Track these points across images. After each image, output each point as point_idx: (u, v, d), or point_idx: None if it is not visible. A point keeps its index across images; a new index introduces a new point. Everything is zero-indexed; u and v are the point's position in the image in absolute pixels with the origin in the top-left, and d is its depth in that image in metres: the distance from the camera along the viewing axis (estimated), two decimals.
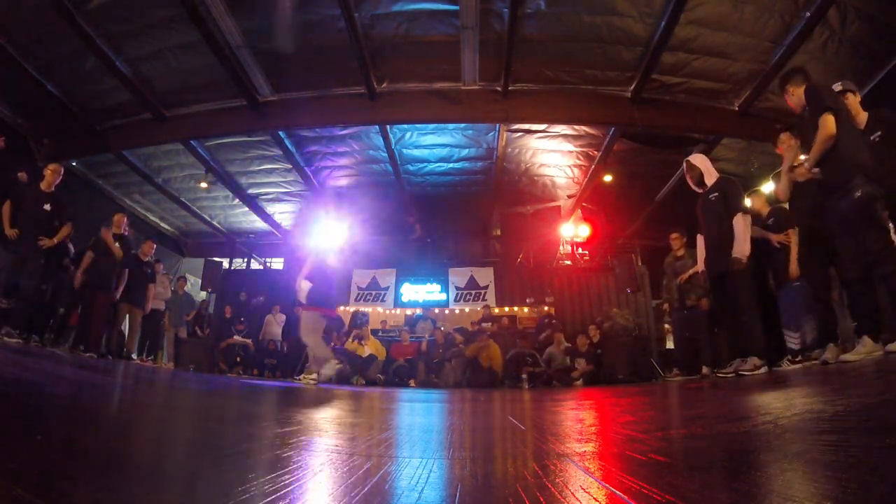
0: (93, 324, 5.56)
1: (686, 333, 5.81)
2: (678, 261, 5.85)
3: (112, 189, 9.90)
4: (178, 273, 11.35)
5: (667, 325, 8.38)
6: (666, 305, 6.97)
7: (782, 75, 3.48)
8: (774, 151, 4.17)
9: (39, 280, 5.14)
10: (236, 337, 8.39)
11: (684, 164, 4.29)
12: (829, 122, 2.86)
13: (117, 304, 6.18)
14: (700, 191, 4.17)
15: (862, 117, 3.26)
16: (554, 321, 8.63)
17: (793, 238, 4.17)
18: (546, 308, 9.52)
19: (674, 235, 5.94)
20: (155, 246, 6.86)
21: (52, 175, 5.19)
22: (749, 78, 6.48)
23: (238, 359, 8.24)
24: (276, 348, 8.60)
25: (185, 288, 8.75)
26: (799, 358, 3.96)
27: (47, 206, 5.07)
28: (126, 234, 6.31)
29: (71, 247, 5.72)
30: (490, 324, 8.90)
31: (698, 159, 4.23)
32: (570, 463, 0.93)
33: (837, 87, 3.25)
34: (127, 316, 6.30)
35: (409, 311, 10.42)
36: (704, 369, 5.31)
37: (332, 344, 8.34)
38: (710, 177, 4.10)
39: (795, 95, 3.26)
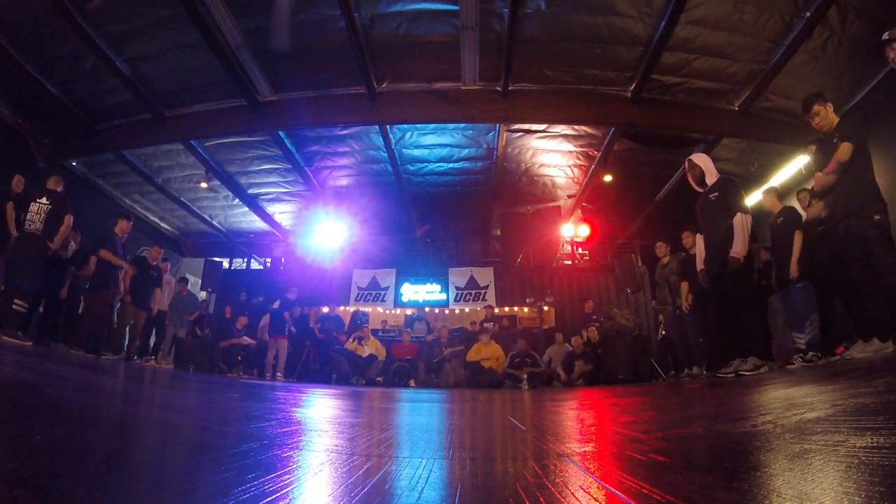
0: (87, 323, 5.63)
1: (677, 334, 5.90)
2: (665, 267, 6.04)
3: (112, 189, 9.90)
4: (178, 273, 11.34)
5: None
6: (661, 316, 7.04)
7: (812, 95, 3.71)
8: (774, 152, 4.25)
9: (40, 282, 5.19)
10: (245, 338, 8.31)
11: (686, 163, 4.29)
12: (845, 150, 3.20)
13: (124, 305, 6.22)
14: (700, 190, 4.18)
15: None
16: (594, 317, 8.53)
17: (797, 240, 4.22)
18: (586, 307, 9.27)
19: (658, 245, 6.16)
20: (162, 251, 6.97)
21: (54, 183, 5.29)
22: (749, 78, 6.48)
23: (238, 357, 8.22)
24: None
25: (188, 289, 8.74)
26: (809, 356, 3.99)
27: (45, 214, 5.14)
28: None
29: (72, 244, 5.76)
30: (492, 324, 8.90)
31: (700, 158, 4.23)
32: (570, 463, 0.93)
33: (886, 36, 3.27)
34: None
35: (409, 311, 10.43)
36: (695, 369, 5.35)
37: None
38: (711, 176, 4.10)
39: (830, 115, 3.52)
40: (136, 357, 6.42)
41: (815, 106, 3.49)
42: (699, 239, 4.25)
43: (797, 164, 7.41)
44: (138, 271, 6.24)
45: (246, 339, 8.31)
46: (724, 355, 4.58)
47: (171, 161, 9.05)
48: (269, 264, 12.87)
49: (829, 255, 3.86)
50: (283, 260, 11.86)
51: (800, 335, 4.30)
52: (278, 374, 7.65)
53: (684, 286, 5.46)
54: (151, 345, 7.19)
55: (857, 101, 6.18)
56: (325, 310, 9.92)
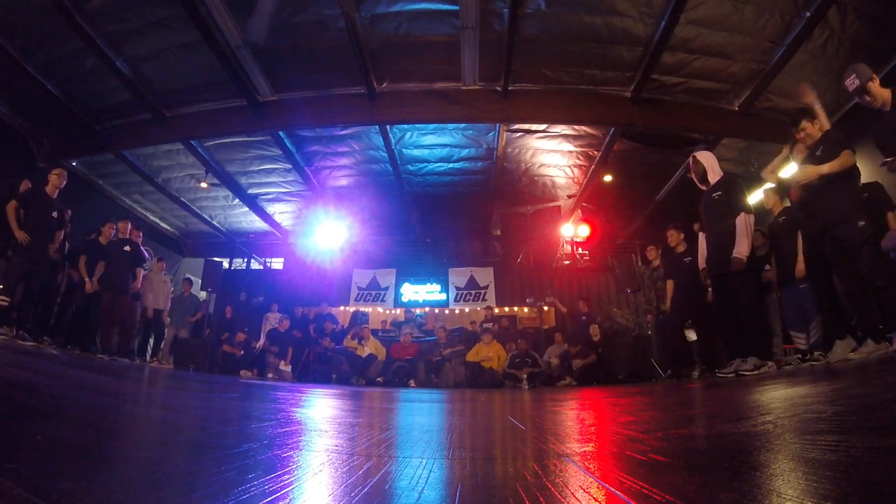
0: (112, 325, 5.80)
1: (664, 335, 5.96)
2: (655, 271, 6.12)
3: (112, 189, 9.90)
4: (179, 273, 11.35)
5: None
6: (649, 317, 7.06)
7: (801, 110, 3.79)
8: (774, 152, 4.27)
9: (46, 283, 5.24)
10: (283, 359, 8.15)
11: (690, 159, 4.30)
12: (847, 158, 3.25)
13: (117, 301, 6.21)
14: (703, 188, 4.17)
15: (886, 95, 3.26)
16: (586, 313, 8.46)
17: (800, 241, 4.18)
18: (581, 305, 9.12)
19: (648, 248, 6.27)
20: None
21: (57, 179, 5.30)
22: (749, 78, 6.48)
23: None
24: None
25: (191, 290, 8.74)
26: (808, 357, 3.98)
27: (54, 214, 5.18)
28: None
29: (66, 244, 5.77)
30: (492, 324, 8.90)
31: (704, 156, 4.22)
32: (570, 463, 0.93)
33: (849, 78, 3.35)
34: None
35: (396, 312, 10.46)
36: (689, 370, 5.36)
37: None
38: (714, 175, 4.09)
39: (815, 132, 3.59)
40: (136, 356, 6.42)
41: (803, 121, 3.57)
42: (701, 237, 4.24)
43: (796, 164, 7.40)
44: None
45: (283, 361, 8.15)
46: (716, 356, 4.59)
47: (171, 161, 9.05)
48: (271, 265, 12.88)
49: (821, 260, 3.88)
50: (283, 260, 11.87)
51: (800, 335, 4.28)
52: (269, 374, 7.80)
53: (669, 285, 5.45)
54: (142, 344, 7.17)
55: (855, 102, 6.17)
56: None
